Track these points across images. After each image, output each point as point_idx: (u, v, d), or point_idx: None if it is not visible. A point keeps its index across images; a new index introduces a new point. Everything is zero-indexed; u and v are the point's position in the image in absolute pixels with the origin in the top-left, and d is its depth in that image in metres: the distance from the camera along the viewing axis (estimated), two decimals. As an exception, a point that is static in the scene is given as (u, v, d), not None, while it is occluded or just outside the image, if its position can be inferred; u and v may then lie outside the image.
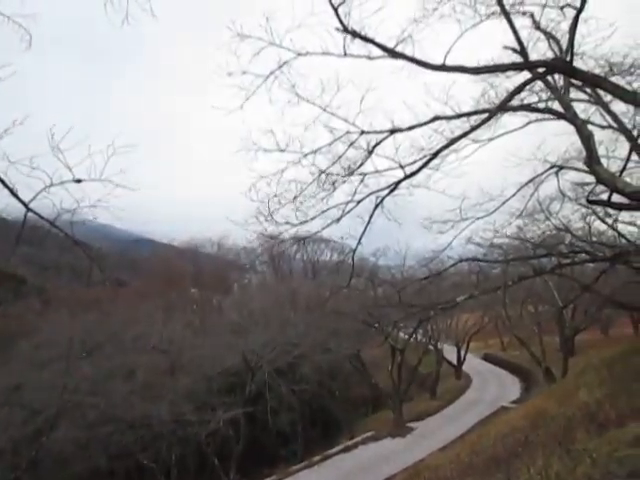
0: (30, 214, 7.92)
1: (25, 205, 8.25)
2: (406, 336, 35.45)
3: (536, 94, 12.98)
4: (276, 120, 9.76)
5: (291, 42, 8.21)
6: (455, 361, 47.85)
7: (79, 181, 8.30)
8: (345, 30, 8.24)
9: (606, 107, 13.49)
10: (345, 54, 8.43)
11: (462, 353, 47.65)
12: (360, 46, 8.68)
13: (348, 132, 10.01)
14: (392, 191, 10.05)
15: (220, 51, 8.32)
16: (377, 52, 8.57)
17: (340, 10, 8.05)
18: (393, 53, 8.53)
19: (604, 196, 12.73)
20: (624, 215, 18.53)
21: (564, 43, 10.99)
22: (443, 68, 8.67)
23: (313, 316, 33.65)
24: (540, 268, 15.51)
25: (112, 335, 32.55)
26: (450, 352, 47.83)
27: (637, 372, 13.78)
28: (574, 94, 13.15)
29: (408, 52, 8.78)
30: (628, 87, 13.15)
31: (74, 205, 8.92)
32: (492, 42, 11.63)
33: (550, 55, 11.88)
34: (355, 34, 8.30)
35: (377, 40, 8.49)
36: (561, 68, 9.38)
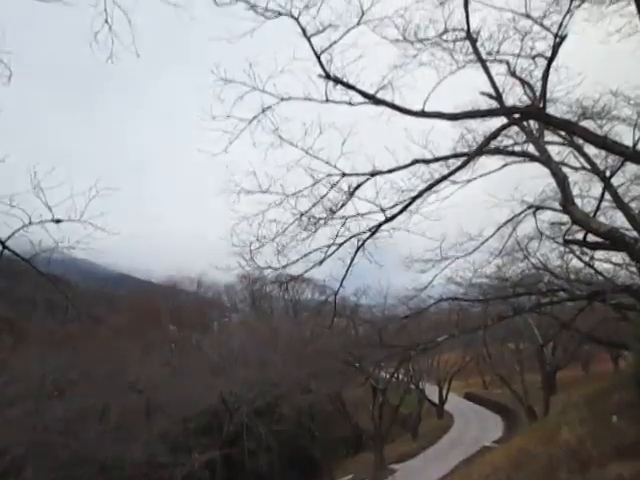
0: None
1: (2, 243, 8.11)
2: (387, 376, 35.15)
3: (512, 137, 13.42)
4: (259, 162, 9.86)
5: (274, 87, 8.38)
6: (437, 400, 47.44)
7: (58, 221, 8.21)
8: (327, 77, 8.43)
9: (579, 149, 13.93)
10: (327, 100, 8.60)
11: (444, 392, 47.28)
12: (342, 92, 8.88)
13: (330, 174, 10.12)
14: (373, 234, 10.13)
15: (204, 94, 8.44)
16: (358, 98, 8.77)
17: (322, 57, 8.25)
18: (374, 99, 8.74)
19: (580, 235, 13.01)
20: (600, 253, 18.92)
21: (538, 89, 11.40)
22: (422, 114, 8.89)
23: (294, 356, 33.24)
24: (519, 307, 15.66)
25: (86, 373, 31.63)
26: (432, 391, 47.45)
27: (618, 409, 13.81)
28: (549, 137, 13.61)
29: (388, 98, 9.02)
30: (599, 130, 13.71)
31: (52, 245, 8.82)
32: (469, 87, 12.03)
33: (525, 99, 12.30)
34: (337, 80, 8.50)
35: (358, 87, 8.70)
36: (535, 115, 9.71)
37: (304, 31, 8.01)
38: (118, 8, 7.52)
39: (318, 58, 8.16)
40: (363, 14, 8.29)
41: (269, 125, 9.23)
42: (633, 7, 9.37)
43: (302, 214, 10.23)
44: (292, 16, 7.91)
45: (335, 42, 8.23)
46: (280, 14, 7.93)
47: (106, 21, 7.50)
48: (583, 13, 10.29)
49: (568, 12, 9.09)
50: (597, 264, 19.76)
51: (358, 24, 8.41)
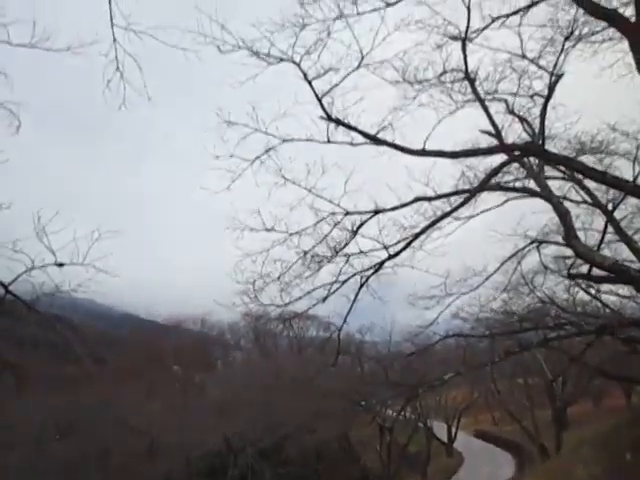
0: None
1: (5, 287, 8.15)
2: (394, 414, 34.48)
3: (513, 172, 13.54)
4: (263, 200, 9.98)
5: (276, 129, 8.56)
6: (446, 438, 46.34)
7: (61, 265, 8.28)
8: (329, 118, 8.62)
9: (580, 184, 14.02)
10: (329, 141, 8.77)
11: (453, 430, 46.23)
12: (343, 133, 9.06)
13: (333, 213, 10.23)
14: (376, 271, 10.15)
15: (208, 136, 8.63)
16: (360, 139, 8.94)
17: (324, 100, 8.45)
18: (375, 140, 8.90)
19: (585, 269, 12.98)
20: (607, 285, 18.79)
21: (537, 126, 11.58)
22: (423, 153, 9.03)
23: (299, 395, 32.74)
24: (526, 342, 15.48)
25: (88, 415, 31.16)
26: (440, 429, 46.41)
27: (632, 446, 13.50)
28: (550, 171, 13.73)
29: (389, 138, 9.18)
30: (599, 165, 13.83)
31: (55, 288, 8.87)
32: (469, 125, 12.22)
33: (524, 136, 12.48)
34: (338, 122, 8.68)
35: (359, 127, 8.87)
36: (534, 151, 9.84)
37: (305, 75, 8.23)
38: (129, 56, 7.79)
39: (319, 101, 8.35)
40: (363, 58, 8.53)
41: (272, 165, 9.40)
42: (626, 44, 9.57)
43: (305, 252, 10.29)
44: (293, 61, 8.16)
45: (336, 85, 8.45)
46: (282, 60, 8.18)
47: (117, 68, 7.75)
48: (577, 51, 10.53)
49: (562, 52, 9.33)
50: (604, 297, 19.65)
51: (358, 67, 8.65)
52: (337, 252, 10.51)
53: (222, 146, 8.43)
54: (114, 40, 7.74)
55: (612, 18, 8.40)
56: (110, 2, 7.67)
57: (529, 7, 9.23)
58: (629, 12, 8.97)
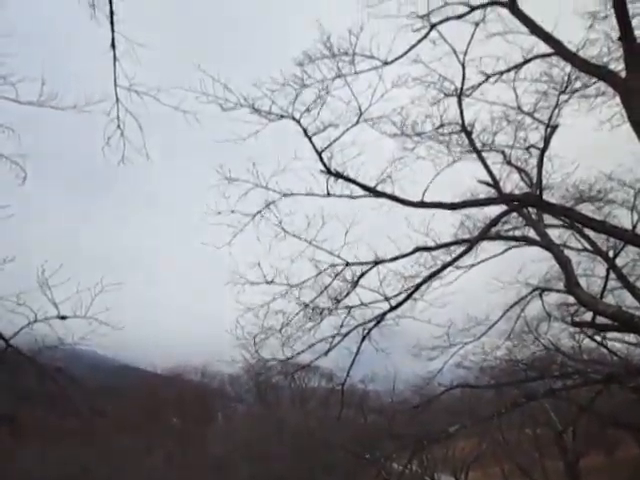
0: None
1: (6, 341, 8.09)
2: (400, 467, 33.31)
3: (513, 221, 13.61)
4: (263, 253, 10.00)
5: (276, 184, 8.69)
6: (454, 493, 44.59)
7: (64, 318, 8.26)
8: (328, 172, 8.75)
9: (580, 232, 14.06)
10: (328, 194, 8.88)
11: (461, 484, 44.53)
12: (342, 185, 9.17)
13: (333, 264, 10.23)
14: (378, 323, 10.08)
15: (210, 191, 8.75)
16: (359, 191, 9.04)
17: (323, 155, 8.60)
18: (374, 192, 9.01)
19: (589, 316, 12.86)
20: (613, 332, 18.54)
21: (534, 176, 11.72)
22: (422, 205, 9.11)
23: (301, 448, 31.79)
24: (533, 393, 15.13)
25: (87, 469, 30.20)
26: (448, 482, 44.74)
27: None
28: (549, 219, 13.80)
29: (388, 190, 9.29)
30: (597, 213, 13.90)
31: (57, 341, 8.82)
32: (468, 175, 12.38)
33: (522, 185, 12.62)
34: (338, 175, 8.80)
35: (358, 180, 8.99)
36: (532, 202, 9.91)
37: (305, 131, 8.42)
38: (130, 115, 8.00)
39: (319, 155, 8.51)
40: (361, 114, 8.73)
41: (272, 218, 9.48)
42: (619, 99, 9.79)
43: (307, 305, 10.25)
44: (294, 118, 8.36)
45: (335, 140, 8.61)
46: (282, 117, 8.38)
47: (118, 126, 7.95)
48: (572, 105, 10.79)
49: (556, 107, 9.53)
50: (610, 344, 19.36)
51: (357, 123, 8.84)
52: (338, 303, 10.46)
53: (223, 202, 8.55)
54: (117, 100, 7.96)
55: (603, 74, 8.63)
56: (115, 64, 7.95)
57: (523, 64, 9.51)
58: (620, 67, 9.29)
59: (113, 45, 7.76)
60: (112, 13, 7.73)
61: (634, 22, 9.05)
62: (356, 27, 8.84)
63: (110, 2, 7.61)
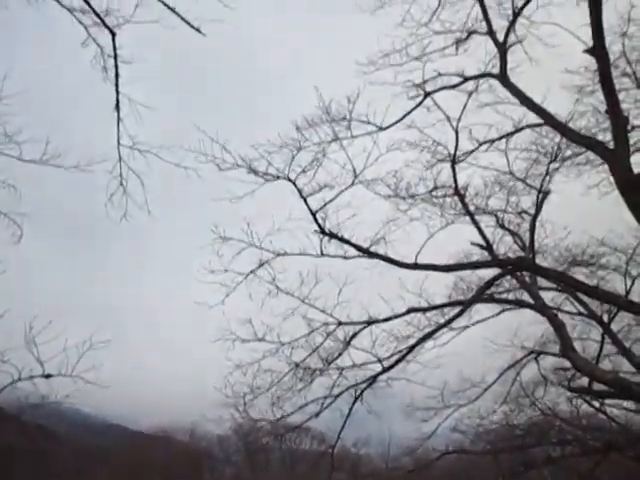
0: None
1: (-13, 400, 7.92)
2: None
3: (506, 283, 13.62)
4: (255, 310, 9.96)
5: (271, 243, 8.78)
6: None
7: (48, 376, 8.12)
8: (322, 232, 8.85)
9: (574, 295, 14.05)
10: (322, 254, 8.95)
11: None
12: (336, 245, 9.26)
13: (326, 323, 10.19)
14: (370, 385, 9.94)
15: (204, 249, 8.81)
16: (353, 252, 9.12)
17: (318, 215, 8.73)
18: (368, 253, 9.09)
19: (587, 380, 12.68)
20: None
21: (527, 239, 11.84)
22: (416, 267, 9.17)
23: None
24: (530, 461, 14.74)
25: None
26: None
27: None
28: (543, 282, 13.82)
29: (382, 251, 9.38)
30: (590, 277, 13.92)
31: (41, 399, 8.66)
32: (461, 236, 12.49)
33: (516, 248, 12.72)
34: (332, 236, 8.90)
35: (353, 241, 9.09)
36: (526, 266, 10.00)
37: (300, 192, 8.58)
38: (132, 173, 8.17)
39: (314, 216, 8.64)
40: (356, 176, 8.93)
41: (266, 276, 9.51)
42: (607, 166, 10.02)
43: (297, 364, 10.13)
44: (289, 179, 8.54)
45: (330, 201, 8.76)
46: (278, 177, 8.57)
47: (121, 184, 8.10)
48: (563, 172, 11.04)
49: (547, 174, 9.75)
50: (609, 410, 18.94)
51: (352, 185, 9.02)
52: (329, 363, 10.35)
53: (217, 260, 8.61)
54: (119, 159, 8.15)
55: (592, 145, 8.90)
56: (118, 124, 8.18)
57: (513, 133, 9.82)
58: (608, 137, 9.57)
59: (117, 107, 8.02)
60: (117, 76, 8.03)
61: (620, 96, 9.46)
62: (353, 93, 9.14)
63: (116, 66, 7.93)
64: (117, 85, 8.03)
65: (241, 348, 10.14)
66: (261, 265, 8.97)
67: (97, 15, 7.63)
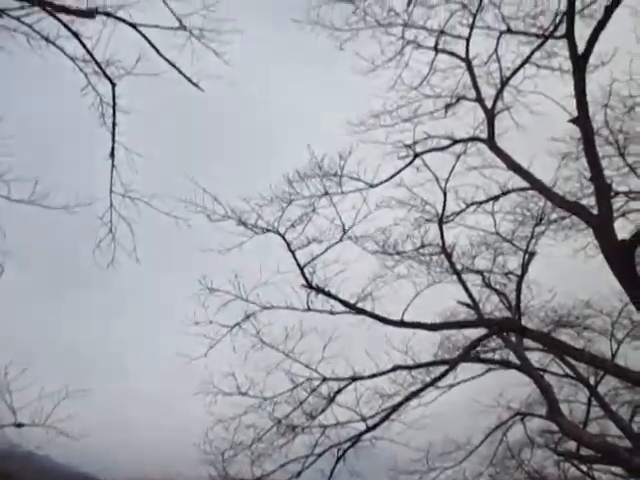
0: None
1: (-44, 447, 7.63)
2: None
3: (492, 343, 13.57)
4: (238, 362, 9.81)
5: (257, 296, 8.75)
6: None
7: (20, 426, 7.86)
8: (309, 286, 8.86)
9: (560, 356, 13.99)
10: (309, 309, 8.93)
11: None
12: (323, 300, 9.24)
13: (310, 378, 10.03)
14: (354, 444, 9.71)
15: (189, 300, 8.76)
16: (340, 307, 9.10)
17: (305, 269, 8.76)
18: (355, 309, 9.09)
19: (574, 443, 12.46)
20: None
21: (513, 299, 11.90)
22: (402, 324, 9.15)
23: None
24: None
25: None
26: None
27: None
28: (529, 342, 13.78)
29: (369, 307, 9.37)
30: (577, 339, 13.92)
31: (11, 448, 8.37)
32: (448, 294, 12.52)
33: (502, 307, 12.74)
34: (319, 290, 8.90)
35: (339, 296, 9.08)
36: (512, 327, 10.03)
37: (289, 246, 8.64)
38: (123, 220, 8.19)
39: (301, 270, 8.66)
40: (345, 232, 9.02)
41: (251, 329, 9.43)
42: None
43: (280, 420, 9.90)
44: (278, 233, 8.61)
45: (318, 256, 8.81)
46: (268, 230, 8.64)
47: (110, 230, 8.10)
48: (549, 234, 11.23)
49: (533, 237, 9.92)
50: (597, 474, 18.53)
51: (340, 240, 9.10)
52: (313, 419, 10.14)
53: (202, 311, 8.55)
54: (111, 205, 8.18)
55: (577, 210, 9.11)
56: (112, 171, 8.26)
57: (500, 196, 10.05)
58: (593, 201, 9.80)
59: (112, 154, 8.12)
60: (114, 125, 8.18)
61: (604, 163, 9.77)
62: (345, 150, 9.37)
63: (114, 115, 8.08)
64: (114, 134, 8.17)
65: (223, 402, 9.93)
66: (247, 318, 8.91)
67: (98, 65, 7.84)
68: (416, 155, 9.80)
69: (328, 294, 8.95)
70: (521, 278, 10.39)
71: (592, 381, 13.46)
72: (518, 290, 10.46)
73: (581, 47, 8.29)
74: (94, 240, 8.06)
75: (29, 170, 7.91)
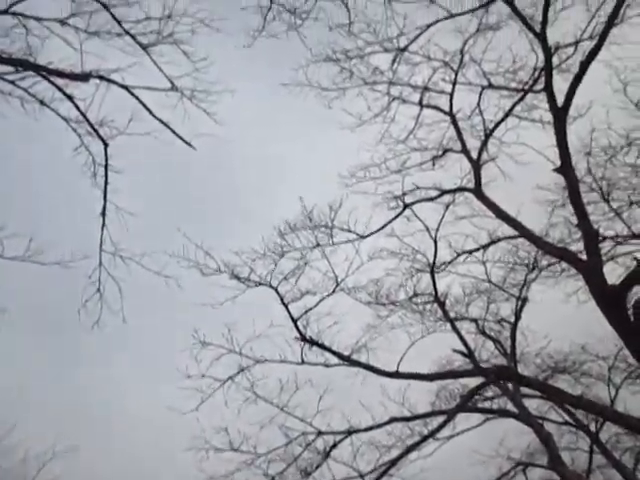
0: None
1: None
2: None
3: (490, 390, 13.39)
4: (231, 417, 9.62)
5: (250, 350, 8.69)
6: None
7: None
8: (303, 339, 8.83)
9: (559, 403, 13.80)
10: (303, 362, 8.87)
11: None
12: (317, 352, 9.17)
13: (304, 433, 9.86)
14: (351, 504, 9.42)
15: (182, 354, 8.67)
16: (334, 359, 9.04)
17: (299, 322, 8.74)
18: (350, 361, 9.05)
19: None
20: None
21: (509, 346, 11.85)
22: (397, 375, 9.07)
23: None
24: None
25: None
26: None
27: None
28: (527, 389, 13.60)
29: (363, 358, 9.32)
30: (575, 385, 13.76)
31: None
32: (443, 343, 12.44)
33: (498, 353, 12.65)
34: (313, 343, 8.87)
35: (334, 348, 9.04)
36: (508, 375, 9.94)
37: (282, 299, 8.66)
38: (111, 279, 8.17)
39: (295, 323, 8.66)
40: (338, 284, 9.08)
41: (244, 382, 9.32)
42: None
43: (274, 477, 9.68)
44: (271, 286, 8.65)
45: (311, 308, 8.82)
46: (260, 284, 8.67)
47: (98, 290, 8.06)
48: (540, 280, 11.29)
49: (525, 283, 9.99)
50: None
51: (334, 292, 9.13)
52: (308, 475, 9.89)
53: (195, 365, 8.47)
54: (100, 264, 8.17)
55: (566, 257, 9.21)
56: (102, 230, 8.30)
57: (490, 244, 10.19)
58: (582, 246, 9.92)
59: (103, 213, 8.19)
60: (106, 184, 8.28)
61: (590, 209, 9.95)
62: (335, 202, 9.53)
63: (106, 175, 8.20)
64: (105, 193, 8.26)
65: (215, 458, 9.70)
66: (240, 372, 8.84)
67: (92, 127, 8.01)
68: (406, 206, 9.95)
69: (322, 346, 8.91)
70: (515, 325, 10.39)
71: (593, 428, 13.21)
72: (513, 337, 10.45)
73: (560, 100, 8.63)
74: (82, 299, 8.03)
75: (22, 228, 7.96)
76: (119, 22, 7.52)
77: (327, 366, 9.04)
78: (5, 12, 7.22)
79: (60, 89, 7.35)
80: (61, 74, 7.33)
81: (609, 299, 8.35)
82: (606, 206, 10.52)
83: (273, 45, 8.39)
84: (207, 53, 7.95)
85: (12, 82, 7.54)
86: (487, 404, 12.56)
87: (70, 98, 7.43)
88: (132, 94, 7.52)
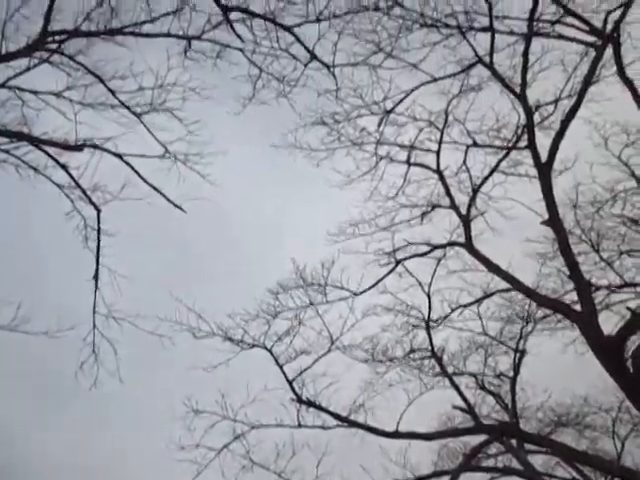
0: None
1: None
2: None
3: (494, 447, 13.01)
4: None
5: (245, 415, 8.48)
6: None
7: None
8: (299, 400, 8.64)
9: (565, 459, 13.41)
10: (299, 425, 8.64)
11: None
12: (314, 413, 8.96)
13: (304, 501, 9.45)
14: None
15: (175, 424, 8.47)
16: (331, 420, 8.82)
17: (294, 383, 8.58)
18: (348, 422, 8.83)
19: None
20: None
21: (509, 400, 11.60)
22: (396, 435, 8.85)
23: None
24: None
25: None
26: None
27: None
28: (531, 445, 13.22)
29: (361, 419, 9.09)
30: (580, 439, 13.40)
31: None
32: (442, 397, 12.18)
33: (499, 408, 12.37)
34: (309, 404, 8.67)
35: (331, 409, 8.84)
36: (510, 432, 9.74)
37: (277, 360, 8.53)
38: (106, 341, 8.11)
39: (290, 384, 8.49)
40: (333, 343, 8.98)
41: (240, 449, 9.03)
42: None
43: None
44: (265, 347, 8.54)
45: (307, 368, 8.69)
46: (254, 346, 8.57)
47: (93, 351, 8.02)
48: (537, 333, 11.20)
49: (521, 336, 9.93)
50: None
51: (329, 351, 9.01)
52: None
53: (188, 434, 8.23)
54: (94, 326, 8.15)
55: (560, 308, 9.21)
56: (95, 293, 8.29)
57: (484, 298, 10.19)
58: (575, 296, 9.90)
59: (96, 277, 8.21)
60: (99, 248, 8.32)
61: (580, 259, 10.02)
62: (327, 260, 9.57)
63: (98, 239, 8.25)
64: (98, 256, 8.30)
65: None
66: (235, 439, 8.57)
67: (84, 193, 8.13)
68: (397, 262, 9.99)
69: (319, 407, 8.71)
70: (514, 379, 10.25)
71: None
72: (513, 391, 10.27)
73: (544, 155, 8.86)
74: (77, 361, 8.01)
75: (12, 292, 7.90)
76: (114, 93, 7.76)
77: (324, 428, 8.80)
78: (2, 86, 7.45)
79: (54, 158, 7.51)
80: (55, 144, 7.50)
81: (606, 350, 8.29)
82: (597, 256, 10.60)
83: (263, 110, 8.64)
84: (199, 118, 8.19)
85: (6, 151, 7.71)
86: (491, 462, 12.17)
87: (64, 167, 7.59)
88: (125, 162, 7.68)
